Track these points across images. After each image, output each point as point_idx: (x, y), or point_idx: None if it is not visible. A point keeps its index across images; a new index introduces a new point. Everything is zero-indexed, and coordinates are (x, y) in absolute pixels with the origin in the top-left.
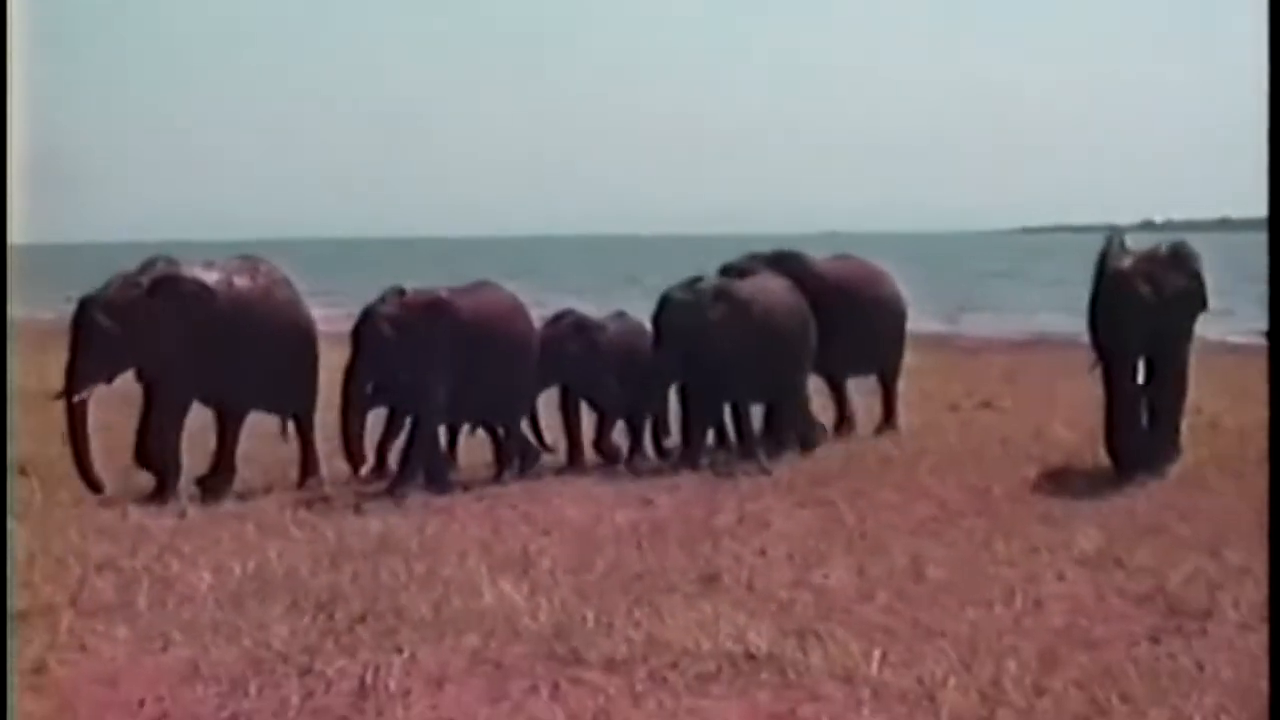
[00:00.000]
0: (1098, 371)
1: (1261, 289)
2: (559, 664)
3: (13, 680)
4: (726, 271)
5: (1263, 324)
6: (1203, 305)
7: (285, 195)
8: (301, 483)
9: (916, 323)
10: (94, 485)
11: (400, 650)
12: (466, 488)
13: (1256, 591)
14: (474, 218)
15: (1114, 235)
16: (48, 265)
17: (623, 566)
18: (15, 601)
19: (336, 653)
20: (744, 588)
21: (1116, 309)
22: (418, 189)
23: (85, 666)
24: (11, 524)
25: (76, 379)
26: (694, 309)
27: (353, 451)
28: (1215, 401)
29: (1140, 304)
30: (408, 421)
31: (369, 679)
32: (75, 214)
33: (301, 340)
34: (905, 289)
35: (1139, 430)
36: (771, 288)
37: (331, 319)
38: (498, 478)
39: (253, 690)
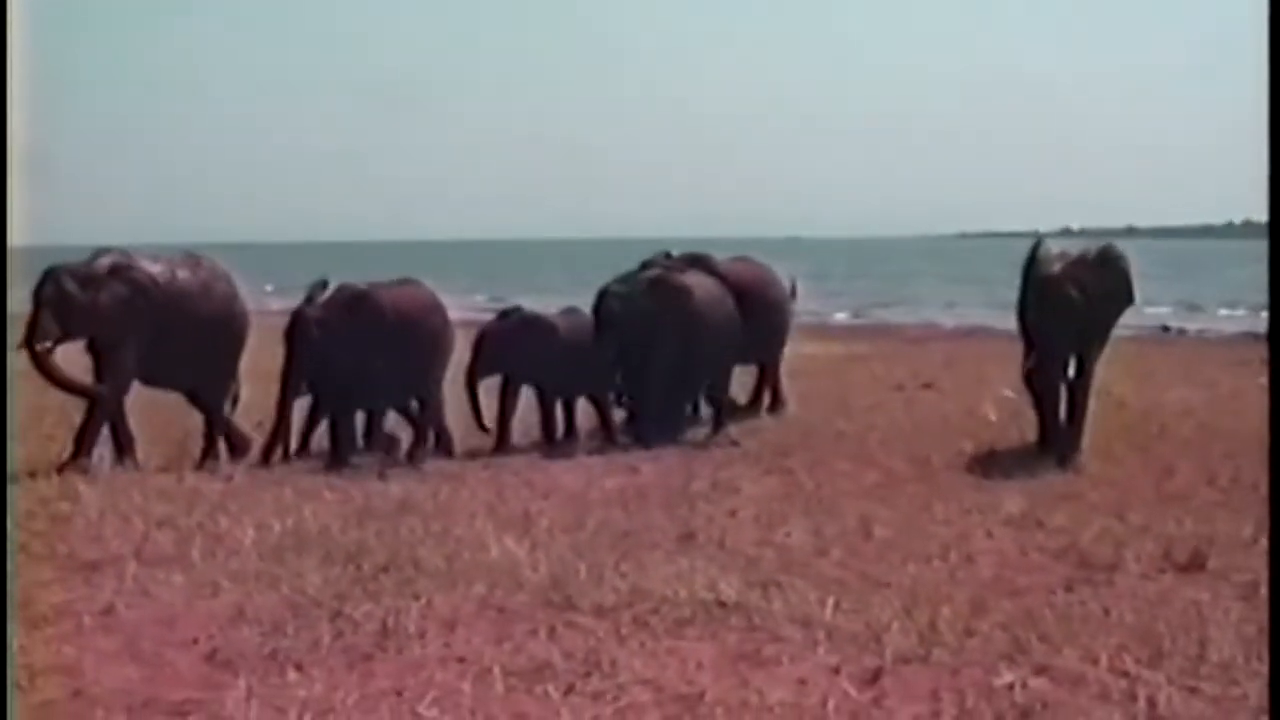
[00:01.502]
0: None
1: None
2: (555, 610)
3: (13, 679)
4: (646, 268)
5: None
6: (1129, 302)
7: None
8: (201, 462)
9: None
10: (80, 392)
11: (418, 597)
12: (474, 457)
13: (1155, 546)
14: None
15: (1040, 240)
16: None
17: (611, 526)
18: (15, 597)
19: (363, 599)
20: (716, 545)
21: (1047, 310)
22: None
23: (147, 609)
24: (12, 524)
25: (37, 332)
26: (630, 300)
27: (278, 437)
28: (1122, 385)
29: (1069, 305)
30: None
31: (390, 621)
32: (62, 215)
33: (233, 331)
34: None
35: (1059, 420)
36: (703, 283)
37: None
38: (411, 458)
39: (290, 631)
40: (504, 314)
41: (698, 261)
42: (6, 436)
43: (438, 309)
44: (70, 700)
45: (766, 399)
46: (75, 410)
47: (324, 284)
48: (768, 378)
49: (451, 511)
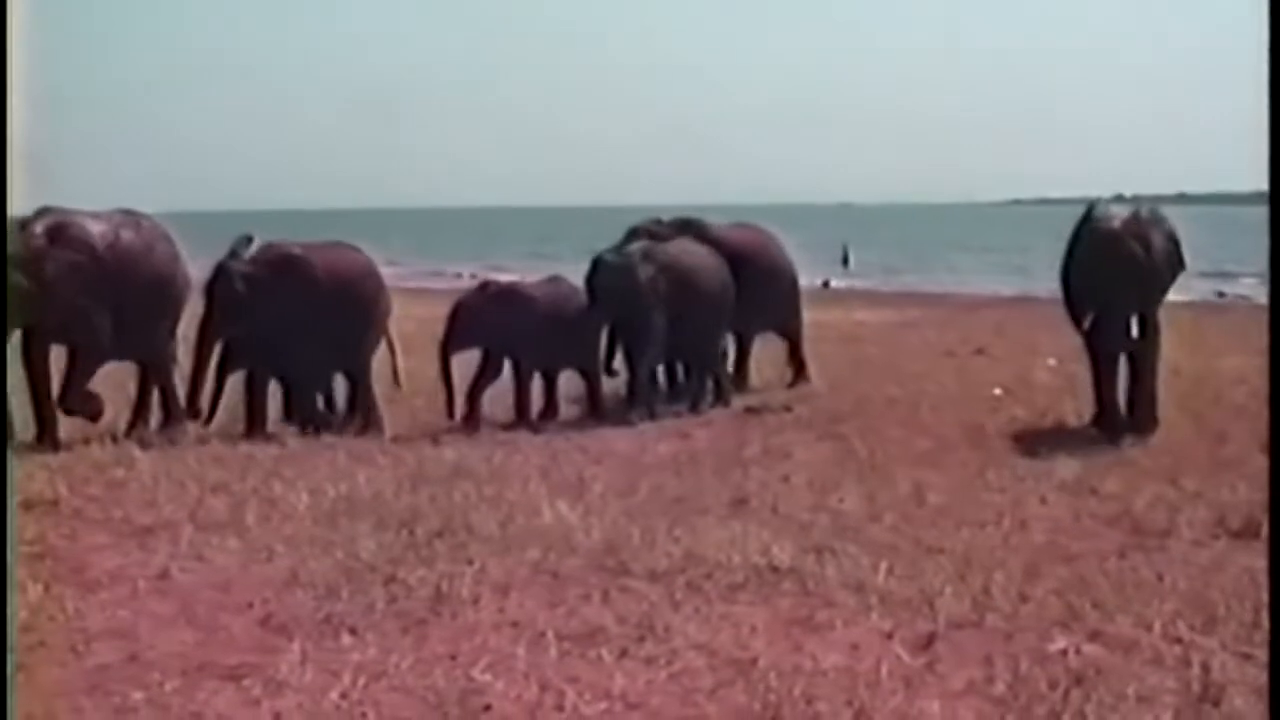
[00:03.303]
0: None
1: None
2: (609, 574)
3: (13, 679)
4: (633, 234)
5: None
6: (1182, 265)
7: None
8: (164, 426)
9: (919, 284)
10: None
11: (471, 562)
12: (530, 426)
13: (1208, 513)
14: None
15: (1095, 201)
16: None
17: (664, 491)
18: (15, 598)
19: (416, 564)
20: (769, 510)
21: (1108, 268)
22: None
23: (202, 574)
24: (12, 523)
25: None
26: (624, 270)
27: (193, 402)
28: (1175, 351)
29: (1134, 262)
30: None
31: (444, 587)
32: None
33: (172, 290)
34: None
35: (1116, 390)
36: (694, 250)
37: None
38: (346, 426)
39: (344, 595)
40: (482, 285)
41: (689, 227)
42: (6, 436)
43: (372, 275)
44: (125, 664)
45: (789, 373)
46: (127, 378)
47: (249, 239)
48: (790, 347)
49: (505, 476)
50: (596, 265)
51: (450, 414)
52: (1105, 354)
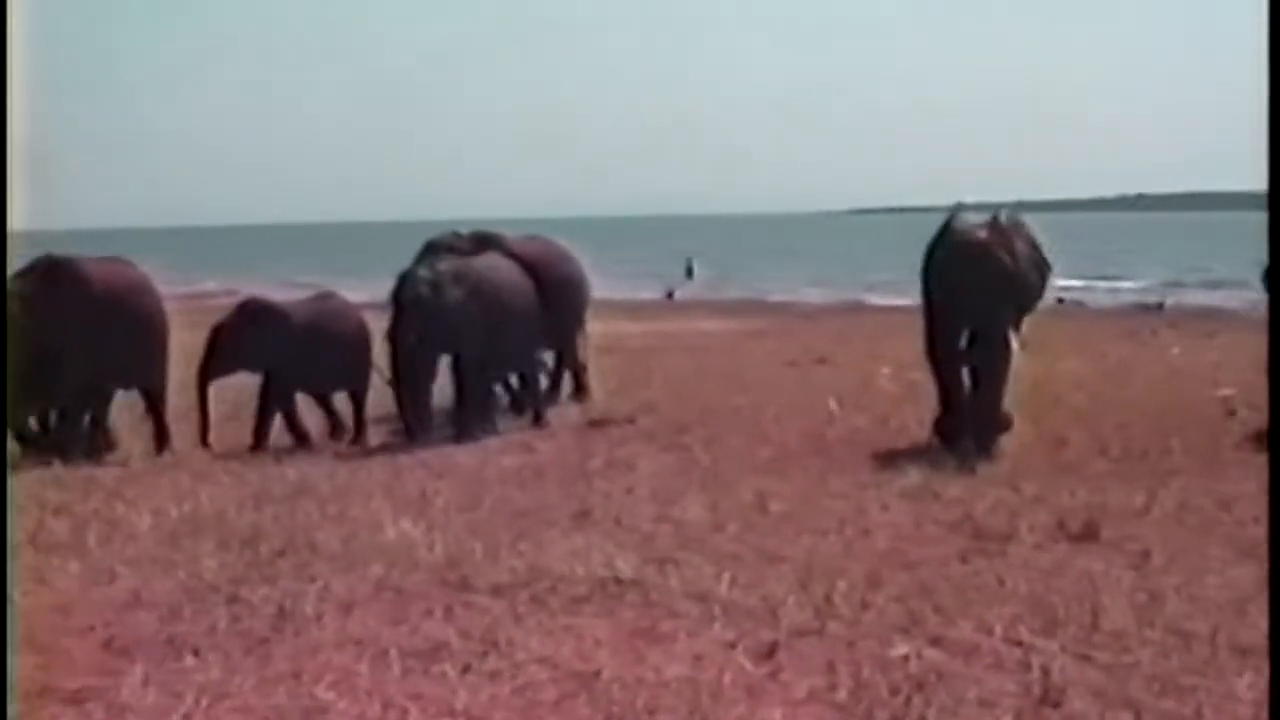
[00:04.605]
0: (915, 330)
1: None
2: (452, 590)
3: (13, 679)
4: (432, 248)
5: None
6: (1049, 268)
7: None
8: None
9: (758, 293)
10: None
11: (314, 580)
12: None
13: (1048, 517)
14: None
15: (958, 207)
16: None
17: (507, 505)
18: (15, 598)
19: (259, 582)
20: (612, 521)
21: (974, 278)
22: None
23: (43, 597)
24: (12, 524)
25: None
26: (433, 286)
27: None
28: (1014, 357)
29: (1003, 272)
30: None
31: (287, 605)
32: (52, 200)
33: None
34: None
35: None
36: (501, 266)
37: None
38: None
39: (187, 616)
40: (241, 305)
41: (488, 241)
42: (6, 435)
43: (147, 291)
44: None
45: (569, 385)
46: None
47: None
48: (568, 361)
49: (348, 493)
50: (402, 281)
51: (204, 443)
52: (954, 362)
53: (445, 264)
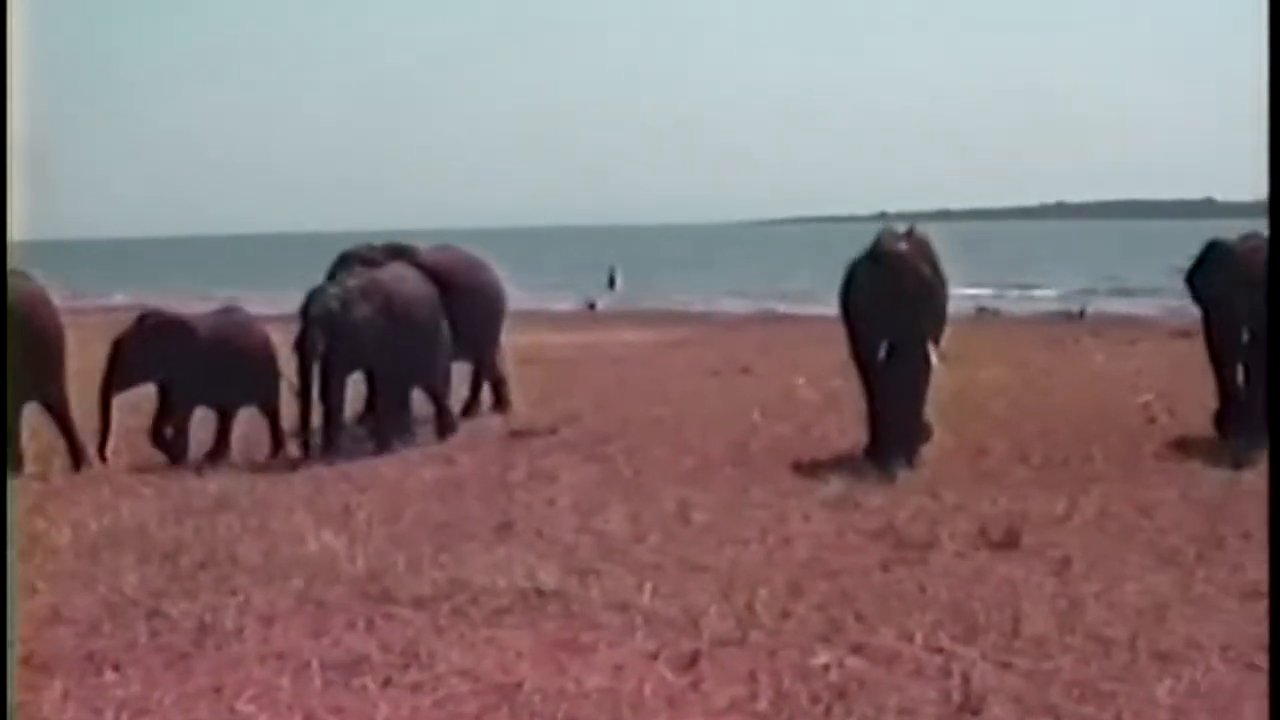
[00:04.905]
0: (835, 340)
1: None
2: (373, 602)
3: (13, 679)
4: (346, 260)
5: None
6: (946, 283)
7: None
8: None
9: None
10: None
11: (235, 593)
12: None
13: (969, 525)
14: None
15: (880, 217)
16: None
17: (429, 517)
18: (16, 596)
19: (180, 596)
20: (534, 533)
21: (905, 294)
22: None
23: None
24: (12, 524)
25: None
26: (339, 300)
27: None
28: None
29: (921, 282)
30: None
31: (208, 619)
32: (57, 210)
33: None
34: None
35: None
36: (408, 277)
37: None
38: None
39: (106, 631)
40: (141, 318)
41: (401, 253)
42: (6, 434)
43: (43, 303)
44: None
45: (488, 397)
46: None
47: None
48: (485, 373)
49: (269, 506)
50: (311, 297)
51: (102, 457)
52: (872, 373)
53: (353, 279)
